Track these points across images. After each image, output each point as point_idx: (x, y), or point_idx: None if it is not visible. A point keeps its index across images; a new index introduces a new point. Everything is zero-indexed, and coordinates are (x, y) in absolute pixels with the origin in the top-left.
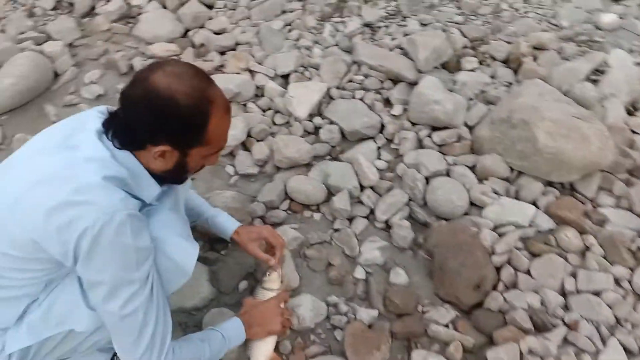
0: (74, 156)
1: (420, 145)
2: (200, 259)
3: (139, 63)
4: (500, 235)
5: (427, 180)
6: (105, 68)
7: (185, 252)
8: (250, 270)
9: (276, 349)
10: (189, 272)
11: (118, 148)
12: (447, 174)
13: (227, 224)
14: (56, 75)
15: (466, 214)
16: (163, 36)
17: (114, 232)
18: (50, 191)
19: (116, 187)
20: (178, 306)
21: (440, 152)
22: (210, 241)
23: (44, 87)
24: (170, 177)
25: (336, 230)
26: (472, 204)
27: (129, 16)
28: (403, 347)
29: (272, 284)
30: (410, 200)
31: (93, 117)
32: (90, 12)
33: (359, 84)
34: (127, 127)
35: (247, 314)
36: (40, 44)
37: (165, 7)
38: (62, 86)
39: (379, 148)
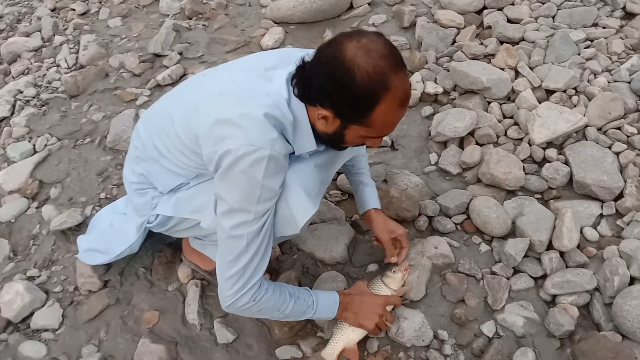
0: (262, 85)
1: None
2: (353, 223)
3: (421, 23)
4: None
5: (632, 281)
6: (391, 16)
7: (302, 207)
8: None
9: (361, 342)
10: (299, 226)
11: (296, 96)
12: None
13: (370, 200)
14: (351, 6)
15: None
16: (458, 5)
17: (250, 163)
18: (226, 105)
19: (273, 126)
20: (310, 251)
21: None
22: None
23: (336, 14)
24: (328, 141)
25: (493, 273)
26: None
27: None
28: None
29: (392, 282)
30: (596, 290)
31: (300, 58)
32: None
33: (627, 136)
34: (306, 81)
35: (349, 295)
36: None
37: None
38: (349, 19)
39: (601, 216)
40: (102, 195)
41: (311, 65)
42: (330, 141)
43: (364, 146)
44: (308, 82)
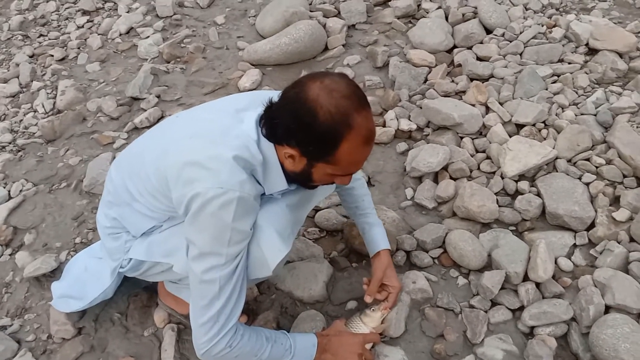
0: (232, 126)
1: (625, 267)
2: (332, 260)
3: (394, 63)
4: None
5: (607, 309)
6: (365, 57)
7: (274, 248)
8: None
9: None
10: (271, 268)
11: (264, 136)
12: (638, 315)
13: (380, 241)
14: (326, 48)
15: None
16: (429, 45)
17: (219, 206)
18: (196, 147)
19: (242, 168)
20: (288, 291)
21: None
22: (350, 248)
23: (311, 55)
24: (297, 180)
25: (471, 306)
26: None
27: (412, 16)
28: None
29: (371, 321)
30: (573, 320)
31: (268, 99)
32: (385, 3)
33: (595, 167)
34: (272, 121)
35: (327, 337)
36: (327, 17)
37: (446, 19)
38: (325, 60)
39: (574, 245)
40: (78, 240)
41: (277, 106)
42: (300, 180)
43: (364, 186)
44: (274, 122)
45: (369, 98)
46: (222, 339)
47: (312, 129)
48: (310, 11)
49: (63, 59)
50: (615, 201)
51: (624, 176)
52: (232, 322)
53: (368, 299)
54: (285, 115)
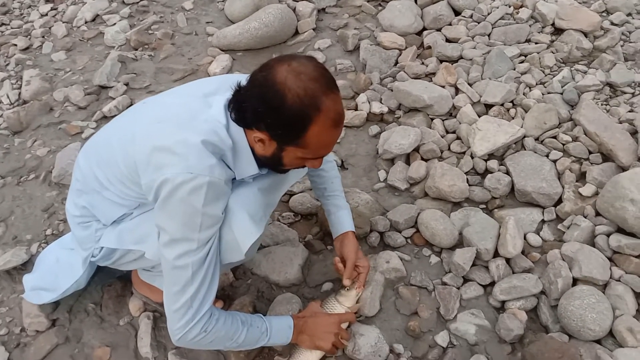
0: (201, 110)
1: (591, 240)
2: (307, 244)
3: (364, 46)
4: None
5: (575, 282)
6: (336, 40)
7: (246, 231)
8: (339, 276)
9: None
10: (243, 251)
11: (233, 120)
12: (603, 286)
13: (345, 222)
14: (296, 32)
15: (598, 341)
16: (399, 28)
17: (188, 191)
18: (164, 132)
19: (211, 152)
20: (264, 275)
21: (610, 259)
22: (325, 231)
23: (281, 40)
24: (268, 164)
25: (444, 283)
26: (611, 334)
27: None
28: None
29: (346, 300)
30: (542, 293)
31: (236, 83)
32: None
33: (562, 144)
34: (241, 105)
35: (303, 319)
36: (297, 1)
37: (415, 1)
38: (295, 44)
39: (542, 221)
40: (49, 232)
41: (245, 89)
42: (270, 164)
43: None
44: (243, 106)
45: (341, 82)
46: (196, 324)
47: (281, 112)
48: None
49: (27, 48)
50: (582, 177)
51: (590, 152)
52: (206, 307)
53: (347, 282)
54: (253, 99)
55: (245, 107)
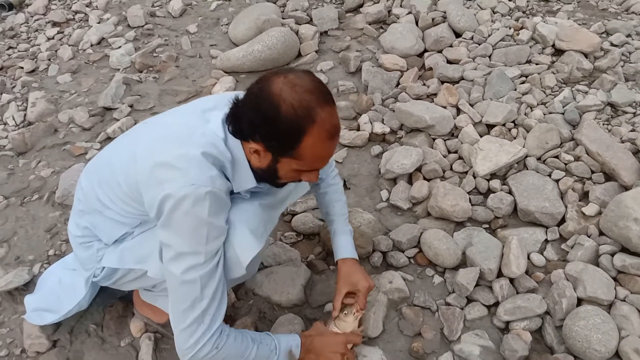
0: (199, 126)
1: (595, 260)
2: (309, 264)
3: (366, 67)
4: None
5: (580, 302)
6: (338, 62)
7: (246, 246)
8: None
9: None
10: (244, 265)
11: (231, 133)
12: (609, 306)
13: (343, 249)
14: (299, 54)
15: None
16: (400, 50)
17: (192, 203)
18: (164, 148)
19: (212, 164)
20: (266, 295)
21: (614, 278)
22: (328, 251)
23: (284, 62)
24: (264, 177)
25: (447, 304)
26: (617, 354)
27: (383, 22)
28: None
29: (346, 326)
30: (547, 313)
31: (234, 97)
32: (356, 9)
33: (564, 164)
34: (236, 117)
35: (310, 337)
36: (299, 24)
37: (417, 24)
38: (299, 66)
39: (546, 241)
40: (51, 252)
41: (242, 102)
42: (266, 177)
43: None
44: (239, 118)
45: (343, 103)
46: (208, 341)
47: (275, 123)
48: (283, 18)
49: (33, 70)
50: (584, 196)
51: (592, 172)
52: (218, 322)
53: (335, 314)
54: (249, 110)
55: (242, 119)
